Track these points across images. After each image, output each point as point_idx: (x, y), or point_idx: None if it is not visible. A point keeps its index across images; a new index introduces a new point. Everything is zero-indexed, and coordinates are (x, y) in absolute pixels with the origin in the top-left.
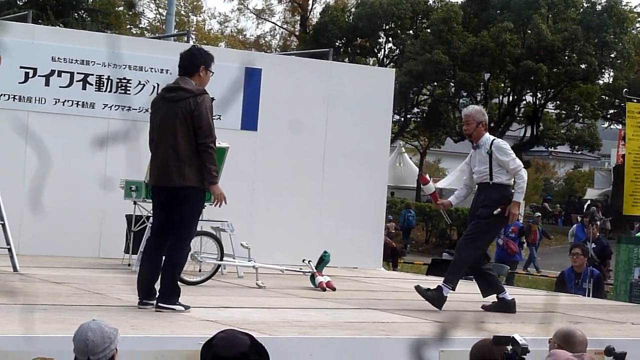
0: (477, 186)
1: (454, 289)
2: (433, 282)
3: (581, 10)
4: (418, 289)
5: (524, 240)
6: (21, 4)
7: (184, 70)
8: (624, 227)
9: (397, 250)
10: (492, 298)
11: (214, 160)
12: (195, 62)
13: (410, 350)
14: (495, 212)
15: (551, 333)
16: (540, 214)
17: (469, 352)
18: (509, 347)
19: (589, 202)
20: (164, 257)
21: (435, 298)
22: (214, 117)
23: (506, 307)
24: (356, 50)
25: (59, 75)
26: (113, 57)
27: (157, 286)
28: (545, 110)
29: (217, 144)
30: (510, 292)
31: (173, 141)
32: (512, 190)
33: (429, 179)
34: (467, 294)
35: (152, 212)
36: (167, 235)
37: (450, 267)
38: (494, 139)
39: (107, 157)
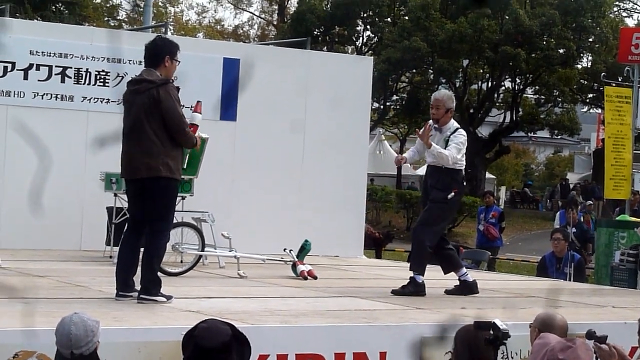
0: (428, 167)
1: (423, 274)
2: None
3: None
4: (395, 292)
5: (504, 226)
6: None
7: (149, 62)
8: (605, 211)
9: (379, 240)
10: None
11: (191, 138)
12: (159, 53)
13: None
14: (449, 196)
15: (532, 318)
16: (591, 202)
17: (454, 338)
18: (491, 332)
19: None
20: (142, 249)
21: (414, 290)
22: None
23: (469, 288)
24: (334, 38)
25: (38, 68)
26: (91, 50)
27: (136, 278)
28: (525, 95)
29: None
30: (492, 278)
31: (138, 133)
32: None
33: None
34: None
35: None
36: (143, 226)
37: (412, 253)
38: (457, 129)
39: (87, 150)
